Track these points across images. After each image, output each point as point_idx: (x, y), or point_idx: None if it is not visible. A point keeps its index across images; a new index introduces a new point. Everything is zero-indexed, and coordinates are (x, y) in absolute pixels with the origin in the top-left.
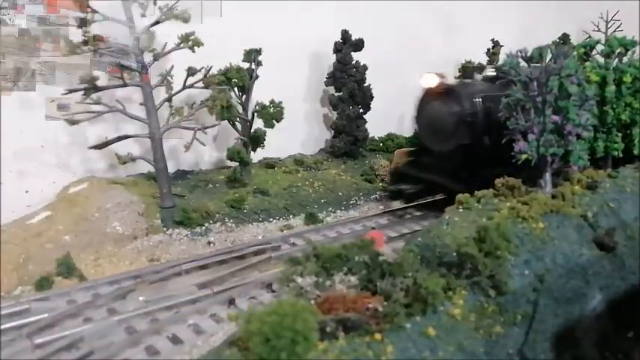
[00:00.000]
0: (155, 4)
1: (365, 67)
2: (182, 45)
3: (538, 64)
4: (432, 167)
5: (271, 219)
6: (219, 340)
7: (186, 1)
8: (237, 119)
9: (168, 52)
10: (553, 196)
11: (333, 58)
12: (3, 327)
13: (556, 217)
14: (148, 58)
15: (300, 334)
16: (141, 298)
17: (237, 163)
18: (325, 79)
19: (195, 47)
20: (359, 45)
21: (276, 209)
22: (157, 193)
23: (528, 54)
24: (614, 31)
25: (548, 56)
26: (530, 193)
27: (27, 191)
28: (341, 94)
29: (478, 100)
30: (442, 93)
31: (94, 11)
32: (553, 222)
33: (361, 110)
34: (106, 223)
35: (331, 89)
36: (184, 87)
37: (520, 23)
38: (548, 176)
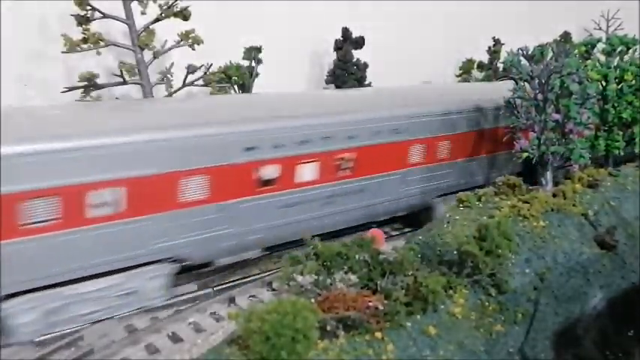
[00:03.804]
0: (155, 1)
1: (365, 65)
2: (182, 43)
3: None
4: None
5: None
6: (219, 339)
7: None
8: None
9: (168, 49)
10: (554, 195)
11: (333, 55)
12: None
13: (557, 216)
14: (148, 55)
15: (300, 332)
16: None
17: None
18: (326, 77)
19: (196, 45)
20: (359, 43)
21: None
22: None
23: (530, 52)
24: (615, 29)
25: (550, 54)
26: (531, 192)
27: None
28: None
29: None
30: None
31: (94, 9)
32: (554, 220)
33: None
34: None
35: (332, 87)
36: (184, 85)
37: (521, 21)
38: (549, 174)
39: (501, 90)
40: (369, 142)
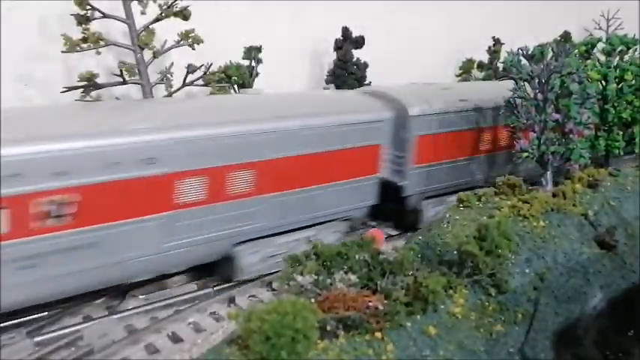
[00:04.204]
0: (155, 1)
1: (366, 65)
2: (182, 42)
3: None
4: None
5: None
6: (219, 339)
7: None
8: None
9: (168, 49)
10: (554, 195)
11: (333, 55)
12: None
13: (557, 216)
14: (147, 55)
15: (300, 332)
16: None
17: None
18: (326, 77)
19: (195, 44)
20: (359, 42)
21: None
22: None
23: (530, 52)
24: (615, 29)
25: (550, 54)
26: (531, 192)
27: None
28: None
29: None
30: None
31: (94, 8)
32: (554, 220)
33: None
34: None
35: (332, 86)
36: (184, 84)
37: (521, 21)
38: (549, 174)
39: (355, 101)
40: (101, 179)
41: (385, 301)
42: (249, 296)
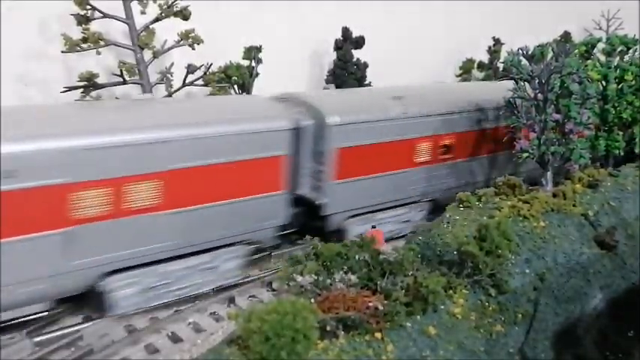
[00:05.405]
0: (155, 1)
1: (365, 65)
2: (182, 42)
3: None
4: None
5: None
6: (218, 339)
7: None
8: None
9: (168, 49)
10: (554, 195)
11: (333, 55)
12: None
13: (557, 216)
14: (147, 55)
15: (300, 332)
16: None
17: None
18: (325, 77)
19: (195, 44)
20: (359, 42)
21: None
22: None
23: (530, 52)
24: (616, 29)
25: (550, 54)
26: (531, 192)
27: None
28: None
29: None
30: None
31: (94, 8)
32: (554, 221)
33: None
34: None
35: (332, 86)
36: (184, 84)
37: (521, 21)
38: (549, 175)
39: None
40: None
41: (385, 302)
42: (249, 296)
